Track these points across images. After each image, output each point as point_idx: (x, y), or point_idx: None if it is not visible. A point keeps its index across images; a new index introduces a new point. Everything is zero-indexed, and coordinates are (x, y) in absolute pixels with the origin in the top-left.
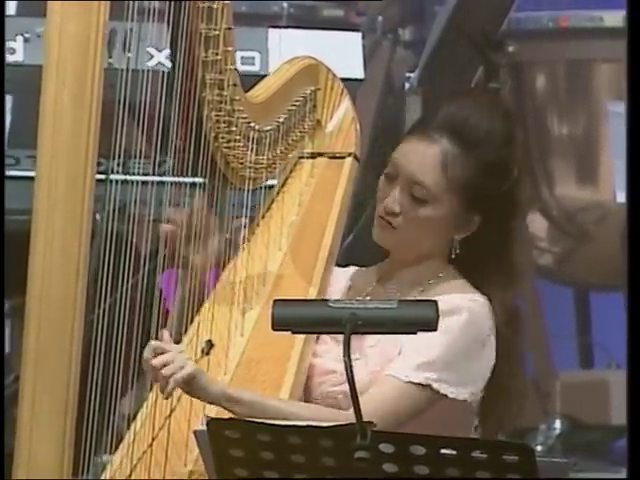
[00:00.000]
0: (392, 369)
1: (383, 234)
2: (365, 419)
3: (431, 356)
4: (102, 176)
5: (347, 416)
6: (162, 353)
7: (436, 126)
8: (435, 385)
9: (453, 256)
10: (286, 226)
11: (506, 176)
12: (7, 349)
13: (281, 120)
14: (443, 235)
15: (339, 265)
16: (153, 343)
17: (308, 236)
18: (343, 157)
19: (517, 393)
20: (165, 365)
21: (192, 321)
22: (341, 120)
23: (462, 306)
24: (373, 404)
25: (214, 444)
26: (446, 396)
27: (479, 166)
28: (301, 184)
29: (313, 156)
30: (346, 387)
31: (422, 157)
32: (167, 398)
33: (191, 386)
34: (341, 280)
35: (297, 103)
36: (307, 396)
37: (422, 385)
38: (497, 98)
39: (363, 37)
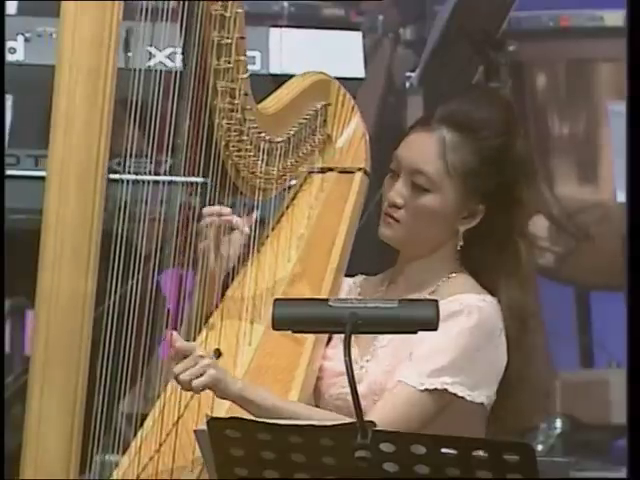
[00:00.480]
0: (405, 375)
1: (388, 230)
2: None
3: (445, 360)
4: None
5: None
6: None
7: (436, 119)
8: (451, 389)
9: (458, 248)
10: (295, 238)
11: (506, 165)
12: (7, 349)
13: (292, 132)
14: (448, 226)
15: (346, 275)
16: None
17: (317, 248)
18: (353, 172)
19: (527, 394)
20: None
21: (200, 329)
22: (351, 136)
23: (473, 307)
24: (387, 413)
25: (215, 443)
26: (463, 398)
27: (478, 152)
28: (311, 198)
29: (323, 171)
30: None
31: (422, 146)
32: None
33: (212, 388)
34: (350, 288)
35: (308, 117)
36: (317, 398)
37: (438, 390)
38: (497, 93)
39: (364, 36)
